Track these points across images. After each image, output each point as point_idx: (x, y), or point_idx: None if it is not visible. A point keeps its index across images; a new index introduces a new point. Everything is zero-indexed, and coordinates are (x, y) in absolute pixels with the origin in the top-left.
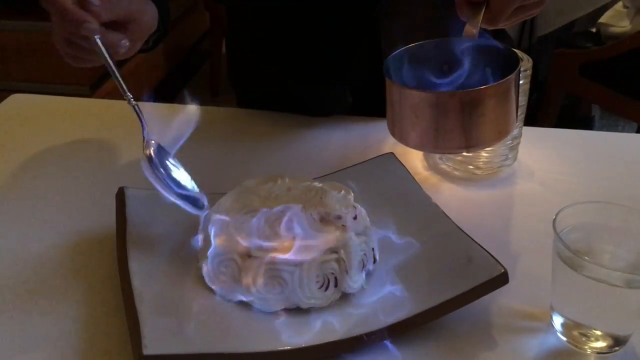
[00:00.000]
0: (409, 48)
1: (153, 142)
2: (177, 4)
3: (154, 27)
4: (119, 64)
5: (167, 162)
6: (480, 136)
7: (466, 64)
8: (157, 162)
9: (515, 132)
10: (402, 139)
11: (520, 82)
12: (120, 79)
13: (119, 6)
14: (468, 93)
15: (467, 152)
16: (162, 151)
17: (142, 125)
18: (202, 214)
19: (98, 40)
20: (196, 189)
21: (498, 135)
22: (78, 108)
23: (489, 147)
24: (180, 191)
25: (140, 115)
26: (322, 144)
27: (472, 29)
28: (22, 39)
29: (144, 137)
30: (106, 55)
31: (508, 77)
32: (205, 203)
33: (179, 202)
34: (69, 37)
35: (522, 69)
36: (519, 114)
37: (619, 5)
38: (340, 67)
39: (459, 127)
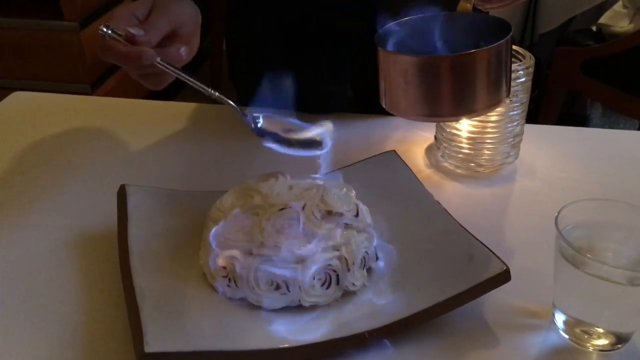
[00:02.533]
0: (402, 22)
1: (255, 116)
2: None
3: (199, 20)
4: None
5: (272, 122)
6: (471, 103)
7: (460, 38)
8: (268, 131)
9: (517, 129)
10: (393, 108)
11: (522, 79)
12: (197, 83)
13: (161, 24)
14: (458, 56)
15: (456, 121)
16: (262, 118)
17: (238, 110)
18: (324, 151)
19: (160, 63)
20: (311, 130)
21: (489, 103)
22: (79, 106)
23: (479, 115)
24: (300, 140)
25: (230, 102)
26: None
27: (466, 3)
28: (23, 37)
29: (245, 118)
30: (173, 70)
31: (499, 42)
32: (325, 136)
33: (304, 154)
34: (138, 71)
35: (524, 67)
36: (511, 87)
37: (617, 6)
38: (340, 60)
39: (448, 93)
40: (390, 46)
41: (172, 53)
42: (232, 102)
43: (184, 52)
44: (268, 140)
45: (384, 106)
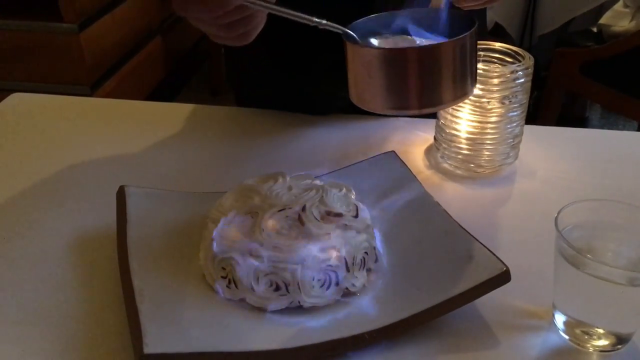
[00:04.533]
0: (372, 17)
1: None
2: None
3: None
4: (121, 64)
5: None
6: (435, 96)
7: (430, 33)
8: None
9: (516, 130)
10: (359, 101)
11: (522, 80)
12: (297, 13)
13: None
14: (420, 49)
15: (421, 113)
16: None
17: (349, 33)
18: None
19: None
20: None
21: (453, 96)
22: (79, 107)
23: (444, 108)
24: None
25: (339, 27)
26: (323, 143)
27: (439, 1)
28: (22, 38)
29: (348, 36)
30: (265, 5)
31: (461, 36)
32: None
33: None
34: (222, 21)
35: (524, 67)
36: (476, 80)
37: (618, 6)
38: (338, 61)
39: (413, 85)
40: (359, 40)
41: None
42: (341, 28)
43: None
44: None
45: (352, 100)
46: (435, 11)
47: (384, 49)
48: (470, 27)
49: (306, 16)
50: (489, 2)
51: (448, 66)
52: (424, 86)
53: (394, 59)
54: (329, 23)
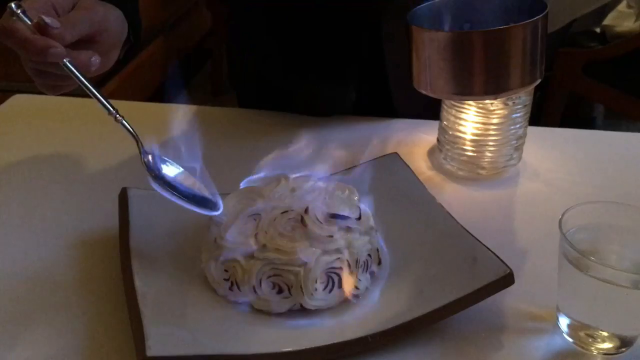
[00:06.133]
0: (433, 3)
1: (150, 156)
2: (179, 3)
3: (124, 34)
4: (122, 65)
5: (170, 167)
6: (507, 80)
7: (489, 18)
8: (162, 174)
9: (520, 131)
10: (429, 88)
11: None
12: (101, 98)
13: (81, 22)
14: (493, 32)
15: (493, 99)
16: (161, 159)
17: (137, 140)
18: (216, 213)
19: (67, 64)
20: (204, 190)
21: (523, 80)
22: (80, 108)
23: (515, 93)
24: (191, 193)
25: (132, 130)
26: (325, 144)
27: None
28: None
29: (140, 152)
30: (80, 76)
31: (535, 18)
32: (220, 202)
33: (193, 208)
34: (37, 67)
35: None
36: (544, 68)
37: (622, 6)
38: (341, 62)
39: (485, 69)
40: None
41: (82, 59)
42: (133, 132)
43: (96, 61)
44: (157, 183)
45: (416, 87)
46: None
47: (458, 32)
48: (530, 9)
49: (106, 103)
50: None
51: (521, 50)
52: (496, 71)
53: (468, 42)
54: (124, 121)
